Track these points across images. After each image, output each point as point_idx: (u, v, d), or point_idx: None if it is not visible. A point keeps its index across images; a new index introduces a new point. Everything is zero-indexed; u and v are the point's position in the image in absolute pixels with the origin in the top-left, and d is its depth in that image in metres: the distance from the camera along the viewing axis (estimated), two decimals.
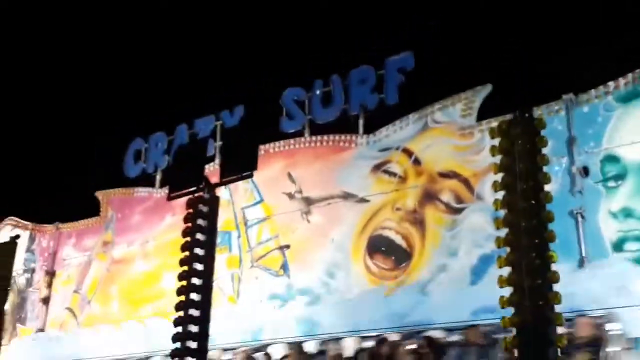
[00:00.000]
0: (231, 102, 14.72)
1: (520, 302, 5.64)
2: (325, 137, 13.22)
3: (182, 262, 8.38)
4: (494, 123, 10.14)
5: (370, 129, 12.71)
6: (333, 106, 13.26)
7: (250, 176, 9.00)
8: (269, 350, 11.39)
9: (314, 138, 13.36)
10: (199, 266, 8.38)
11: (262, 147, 13.44)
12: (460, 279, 10.34)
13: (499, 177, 6.21)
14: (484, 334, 9.00)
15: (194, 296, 8.27)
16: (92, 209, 16.26)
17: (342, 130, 13.13)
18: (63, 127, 21.67)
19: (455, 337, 9.31)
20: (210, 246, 8.56)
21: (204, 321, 8.23)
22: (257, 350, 11.51)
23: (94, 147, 19.25)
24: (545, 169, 6.25)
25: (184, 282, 8.33)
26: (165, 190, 13.85)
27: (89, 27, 22.58)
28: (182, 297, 8.31)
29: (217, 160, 13.62)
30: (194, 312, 8.22)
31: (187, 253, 8.40)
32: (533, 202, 5.85)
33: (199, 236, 8.48)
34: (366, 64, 13.03)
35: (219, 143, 14.16)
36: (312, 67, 15.87)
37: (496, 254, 6.30)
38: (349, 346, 10.38)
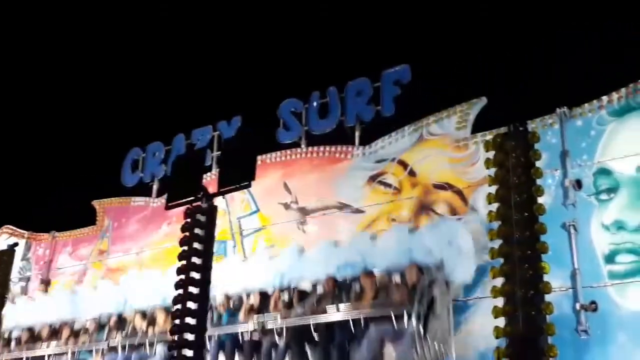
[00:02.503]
0: (229, 113, 14.87)
1: (512, 312, 5.74)
2: (321, 148, 13.33)
3: (179, 271, 8.44)
4: (489, 136, 10.34)
5: (366, 141, 12.83)
6: (330, 117, 13.38)
7: (249, 186, 9.08)
8: None
9: (310, 149, 13.47)
10: (196, 275, 8.45)
11: (258, 157, 13.52)
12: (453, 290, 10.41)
13: (493, 189, 6.31)
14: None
15: (191, 305, 8.33)
16: (88, 218, 16.31)
17: (338, 141, 13.26)
18: (61, 136, 21.75)
19: None
20: (207, 255, 8.62)
21: (200, 330, 8.28)
22: None
23: (91, 156, 19.32)
24: (538, 181, 6.37)
25: (181, 291, 8.39)
26: (162, 199, 13.98)
27: (88, 36, 22.71)
28: (179, 306, 8.37)
29: (214, 170, 13.71)
30: (191, 321, 8.27)
31: (184, 262, 8.46)
32: (526, 214, 5.96)
33: (197, 245, 8.55)
34: (363, 76, 13.19)
35: (216, 153, 14.26)
36: (309, 78, 16.04)
37: (490, 265, 6.40)
38: None
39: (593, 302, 9.23)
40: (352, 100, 13.15)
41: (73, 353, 12.06)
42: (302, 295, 10.08)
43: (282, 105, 14.04)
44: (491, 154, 6.29)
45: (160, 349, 10.79)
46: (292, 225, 12.87)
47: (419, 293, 8.34)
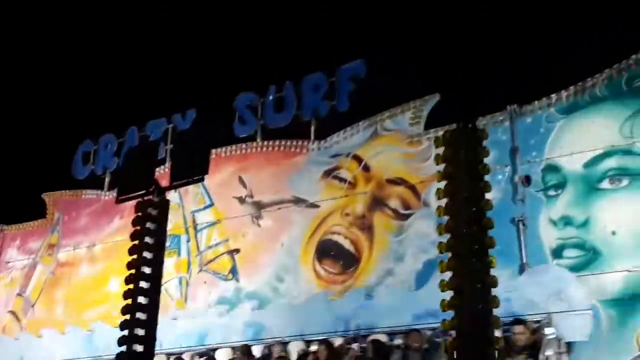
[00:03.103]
0: (184, 106, 14.72)
1: (460, 306, 5.84)
2: (277, 142, 13.33)
3: (130, 265, 8.33)
4: (441, 132, 10.46)
5: (321, 135, 12.88)
6: (285, 112, 13.39)
7: (202, 180, 9.02)
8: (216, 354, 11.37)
9: (265, 143, 13.45)
10: (147, 269, 8.34)
11: (213, 151, 13.44)
12: (405, 284, 10.57)
13: (442, 184, 6.40)
14: (427, 337, 9.20)
15: (142, 300, 8.23)
16: (38, 211, 15.97)
17: (294, 136, 13.27)
18: (10, 127, 21.19)
19: (398, 341, 9.49)
20: (159, 250, 8.52)
21: (151, 325, 8.19)
22: (203, 355, 11.47)
23: (41, 148, 18.90)
24: (488, 177, 6.48)
25: (131, 286, 8.28)
26: (114, 192, 13.75)
27: (41, 25, 22.18)
28: (129, 301, 8.26)
29: (168, 164, 13.57)
30: (141, 316, 8.18)
31: (135, 256, 8.36)
32: (474, 209, 6.07)
33: (148, 239, 8.44)
34: (319, 71, 13.22)
35: (170, 146, 14.12)
36: (265, 72, 15.98)
37: (439, 259, 6.49)
38: (294, 350, 10.47)
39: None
40: (308, 95, 13.17)
41: None
42: None
43: (237, 98, 13.98)
44: (441, 150, 6.38)
45: None
46: (247, 219, 12.85)
47: None
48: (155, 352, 8.41)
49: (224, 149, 13.70)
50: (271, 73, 14.85)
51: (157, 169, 12.46)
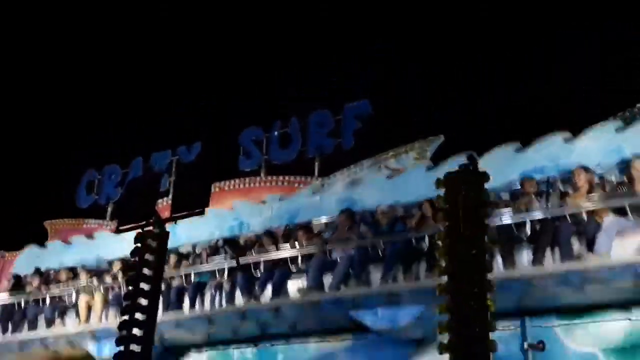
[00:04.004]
0: (189, 139, 14.82)
1: (457, 349, 5.77)
2: (280, 178, 13.34)
3: (127, 296, 8.27)
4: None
5: (325, 172, 12.90)
6: (290, 148, 13.46)
7: (202, 213, 9.00)
8: None
9: (269, 178, 13.47)
10: (143, 301, 8.28)
11: (217, 184, 13.48)
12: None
13: (442, 225, 6.39)
14: None
15: (136, 331, 8.15)
16: (39, 238, 15.96)
17: (298, 171, 13.31)
18: (17, 155, 21.35)
19: None
20: (156, 282, 8.47)
21: (145, 356, 8.10)
22: None
23: (46, 177, 18.98)
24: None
25: (127, 317, 8.21)
26: (116, 222, 13.75)
27: (50, 57, 22.51)
28: (124, 332, 8.18)
29: (170, 196, 13.57)
30: (135, 348, 8.09)
31: (132, 287, 8.30)
32: (474, 251, 6.04)
33: (146, 271, 8.40)
34: (325, 108, 13.32)
35: (173, 178, 14.14)
36: (271, 108, 16.13)
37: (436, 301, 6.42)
38: None
39: (541, 342, 9.30)
40: (313, 132, 13.26)
41: None
42: None
43: (243, 133, 14.06)
44: (442, 191, 6.38)
45: None
46: None
47: None
48: None
49: (227, 182, 13.72)
50: (277, 109, 15.00)
51: (160, 201, 12.52)
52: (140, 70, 21.51)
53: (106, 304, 11.93)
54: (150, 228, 8.62)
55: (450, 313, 5.95)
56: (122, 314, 8.24)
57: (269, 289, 10.35)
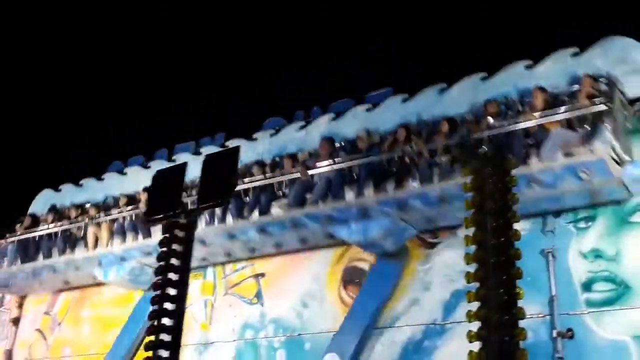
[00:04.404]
0: (213, 130, 14.86)
1: (486, 337, 5.74)
2: None
3: (155, 286, 8.36)
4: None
5: None
6: None
7: (227, 203, 9.08)
8: None
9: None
10: (172, 291, 8.36)
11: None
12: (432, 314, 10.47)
13: (470, 213, 6.35)
14: None
15: (166, 321, 8.23)
16: None
17: None
18: (41, 147, 21.62)
19: None
20: (184, 271, 8.54)
21: (175, 346, 8.18)
22: None
23: (74, 169, 19.19)
24: (515, 207, 6.41)
25: (156, 307, 8.30)
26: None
27: (69, 48, 22.71)
28: (154, 322, 8.26)
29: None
30: (165, 337, 8.17)
31: (160, 278, 8.38)
32: (502, 239, 5.99)
33: (174, 261, 8.47)
34: (347, 97, 13.26)
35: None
36: (293, 97, 16.11)
37: (467, 289, 6.41)
38: None
39: (570, 330, 9.26)
40: None
41: None
42: None
43: (265, 123, 14.06)
44: (469, 179, 6.34)
45: None
46: None
47: None
48: None
49: None
50: (299, 98, 14.98)
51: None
52: (161, 62, 21.65)
53: (111, 234, 13.38)
54: (178, 219, 8.69)
55: (479, 301, 5.93)
56: (152, 304, 8.34)
57: (256, 212, 11.58)
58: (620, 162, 9.13)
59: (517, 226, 6.30)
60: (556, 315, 9.42)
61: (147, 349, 8.15)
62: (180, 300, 8.37)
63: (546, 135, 9.44)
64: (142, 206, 12.74)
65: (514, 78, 10.91)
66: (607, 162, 8.87)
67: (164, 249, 8.50)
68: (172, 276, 8.39)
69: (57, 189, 16.15)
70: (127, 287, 13.50)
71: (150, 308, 8.27)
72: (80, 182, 15.83)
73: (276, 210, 11.50)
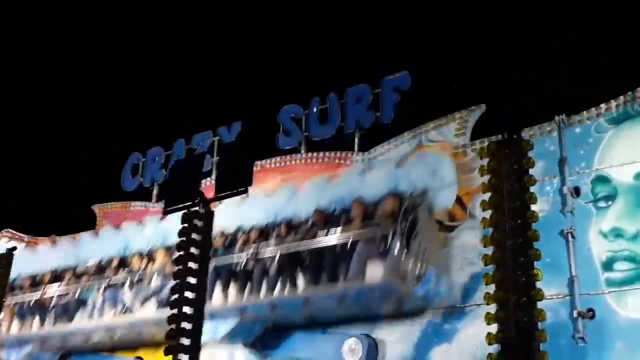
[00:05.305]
0: (229, 118, 14.89)
1: (505, 319, 5.74)
2: (320, 154, 13.33)
3: (175, 275, 8.47)
4: (487, 143, 10.33)
5: (365, 147, 12.83)
6: (329, 123, 13.39)
7: (245, 192, 9.10)
8: None
9: (309, 154, 13.47)
10: (192, 280, 8.47)
11: (258, 162, 13.57)
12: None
13: (487, 196, 6.32)
14: None
15: (187, 309, 8.35)
16: (88, 222, 16.34)
17: (337, 147, 13.27)
18: (61, 140, 21.83)
19: None
20: (203, 260, 8.65)
21: (195, 334, 8.30)
22: None
23: (91, 161, 19.37)
24: (536, 189, 6.37)
25: (177, 296, 8.41)
26: (161, 204, 13.98)
27: (86, 39, 22.84)
28: (175, 311, 8.38)
29: (214, 176, 13.71)
30: (186, 325, 8.29)
31: (180, 267, 8.49)
32: (519, 221, 5.97)
33: (193, 250, 8.58)
34: (363, 82, 13.21)
35: (216, 158, 14.26)
36: (309, 84, 16.09)
37: (484, 271, 6.41)
38: None
39: (590, 310, 9.21)
40: (351, 107, 13.15)
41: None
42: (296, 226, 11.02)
43: (282, 110, 14.07)
44: (485, 161, 6.31)
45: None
46: None
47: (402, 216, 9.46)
48: None
49: (268, 160, 13.78)
50: (315, 85, 14.94)
51: (203, 181, 12.66)
52: (176, 53, 21.71)
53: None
54: (196, 208, 8.79)
55: (497, 283, 5.92)
56: (172, 293, 8.45)
57: None
58: None
59: (535, 207, 6.27)
60: (577, 296, 9.35)
61: (167, 338, 8.28)
62: (200, 288, 8.48)
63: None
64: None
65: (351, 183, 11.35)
66: None
67: (183, 238, 8.61)
68: (192, 265, 8.50)
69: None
70: None
71: (171, 297, 8.40)
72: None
73: None
